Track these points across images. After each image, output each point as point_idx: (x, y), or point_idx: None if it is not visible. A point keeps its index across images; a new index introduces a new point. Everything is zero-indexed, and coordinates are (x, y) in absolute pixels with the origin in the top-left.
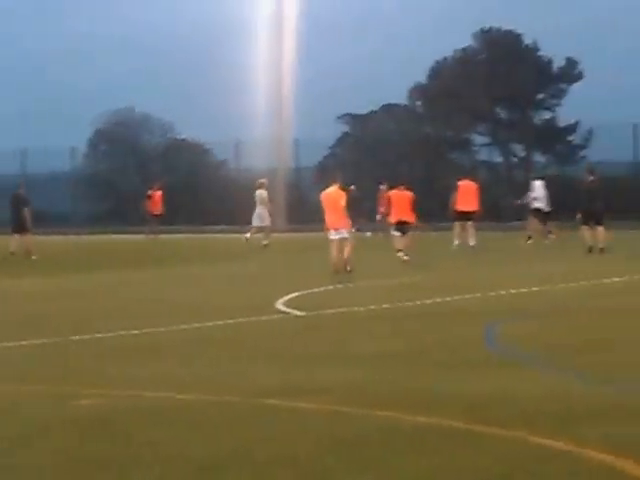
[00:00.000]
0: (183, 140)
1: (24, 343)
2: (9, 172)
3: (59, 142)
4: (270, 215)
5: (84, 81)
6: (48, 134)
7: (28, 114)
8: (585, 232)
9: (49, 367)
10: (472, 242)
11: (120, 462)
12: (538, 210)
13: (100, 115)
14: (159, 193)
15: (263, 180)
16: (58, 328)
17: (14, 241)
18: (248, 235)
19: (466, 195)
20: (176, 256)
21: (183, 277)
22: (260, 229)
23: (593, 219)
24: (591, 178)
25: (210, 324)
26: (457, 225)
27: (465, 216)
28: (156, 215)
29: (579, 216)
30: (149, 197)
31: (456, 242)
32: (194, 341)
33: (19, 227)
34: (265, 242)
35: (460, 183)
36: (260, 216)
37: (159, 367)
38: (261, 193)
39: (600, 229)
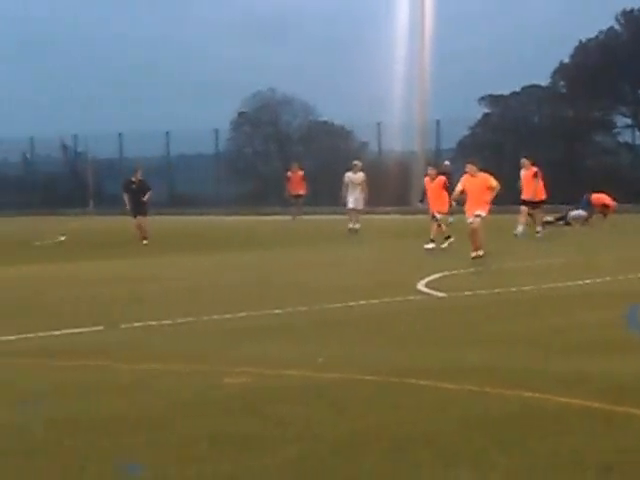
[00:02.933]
0: (324, 122)
1: (166, 322)
2: (155, 154)
3: (203, 125)
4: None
5: (229, 64)
6: (192, 116)
7: (173, 97)
8: None
9: (188, 346)
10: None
11: (262, 441)
12: None
13: (243, 98)
14: (299, 174)
15: (357, 162)
16: (193, 308)
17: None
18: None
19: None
20: (315, 237)
21: (322, 258)
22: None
23: None
24: None
25: (352, 304)
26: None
27: None
28: (297, 196)
29: None
30: (288, 179)
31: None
32: (333, 322)
33: (141, 210)
34: (356, 226)
35: None
36: (357, 200)
37: (298, 347)
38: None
39: None
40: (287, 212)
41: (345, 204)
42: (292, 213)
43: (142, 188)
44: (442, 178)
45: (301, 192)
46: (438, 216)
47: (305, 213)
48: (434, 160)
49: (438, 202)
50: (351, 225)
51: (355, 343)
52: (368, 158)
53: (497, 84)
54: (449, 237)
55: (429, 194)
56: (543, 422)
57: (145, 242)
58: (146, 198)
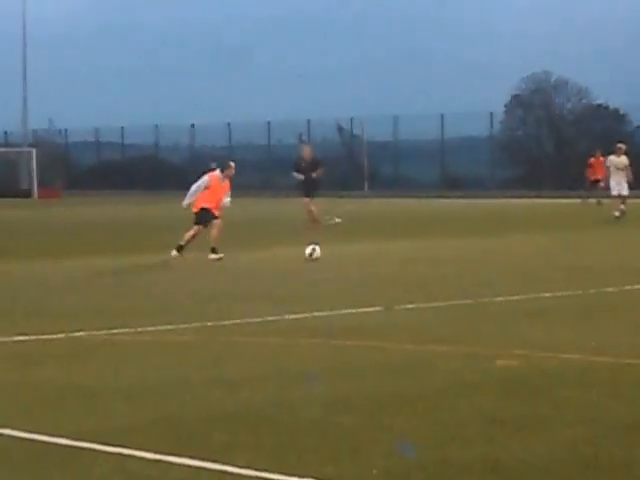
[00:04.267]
0: (599, 105)
1: (422, 306)
2: (429, 137)
3: (477, 107)
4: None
5: (503, 47)
6: (466, 99)
7: (447, 80)
8: None
9: (464, 329)
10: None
11: (538, 423)
12: None
13: (518, 81)
14: (601, 159)
15: (621, 145)
16: (467, 290)
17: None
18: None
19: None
20: (593, 220)
21: (599, 241)
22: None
23: None
24: None
25: (628, 287)
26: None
27: None
28: (596, 181)
29: None
30: (590, 164)
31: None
32: (606, 305)
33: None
34: (616, 214)
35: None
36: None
37: (572, 331)
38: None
39: None
40: (578, 195)
41: (609, 189)
42: (584, 197)
43: (313, 167)
44: None
45: (600, 177)
46: None
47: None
48: None
49: None
50: (616, 213)
51: (630, 328)
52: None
53: None
54: None
55: None
56: None
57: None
58: (315, 175)
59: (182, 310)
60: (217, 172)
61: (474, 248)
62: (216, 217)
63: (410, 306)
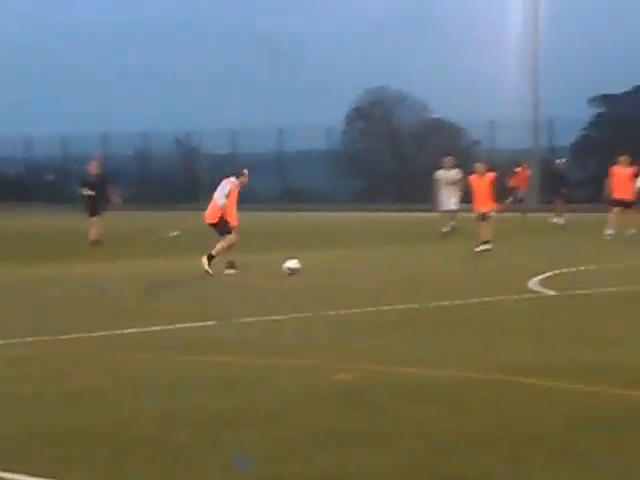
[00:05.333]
0: (437, 120)
1: (260, 319)
2: (268, 150)
3: (316, 121)
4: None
5: (342, 61)
6: (305, 113)
7: (285, 94)
8: None
9: (301, 342)
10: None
11: (374, 436)
12: None
13: (357, 95)
14: (525, 170)
15: (449, 158)
16: (307, 304)
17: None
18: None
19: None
20: (430, 234)
21: (431, 254)
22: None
23: None
24: None
25: (464, 302)
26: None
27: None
28: (513, 189)
29: None
30: (516, 173)
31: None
32: (446, 318)
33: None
34: (446, 229)
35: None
36: (451, 200)
37: (410, 344)
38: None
39: None
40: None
41: (439, 205)
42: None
43: (101, 182)
44: (491, 175)
45: (516, 186)
46: (492, 214)
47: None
48: (549, 158)
49: (486, 201)
50: (445, 229)
51: (468, 341)
52: (480, 156)
53: (609, 83)
54: (487, 242)
55: (476, 192)
56: None
57: (94, 244)
58: (109, 194)
59: (17, 324)
60: (233, 179)
61: (314, 261)
62: (230, 231)
63: (249, 319)
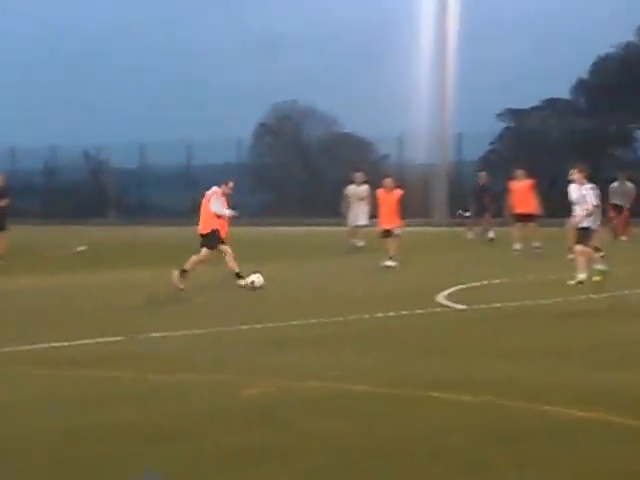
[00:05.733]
0: (346, 134)
1: (168, 334)
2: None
3: (225, 135)
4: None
5: (251, 75)
6: (214, 127)
7: (195, 108)
8: None
9: (209, 357)
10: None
11: (283, 451)
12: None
13: (266, 109)
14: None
15: (359, 173)
16: (213, 319)
17: None
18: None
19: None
20: (332, 248)
21: (341, 269)
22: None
23: None
24: None
25: (371, 316)
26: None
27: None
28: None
29: None
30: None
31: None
32: (354, 333)
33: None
34: (360, 244)
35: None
36: (359, 215)
37: (318, 359)
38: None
39: None
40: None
41: (349, 219)
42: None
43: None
44: (399, 191)
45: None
46: (397, 231)
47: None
48: (455, 172)
49: (392, 216)
50: (359, 243)
51: (375, 355)
52: (389, 170)
53: (517, 98)
54: (392, 258)
55: (382, 207)
56: (561, 436)
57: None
58: (2, 204)
59: None
60: (216, 188)
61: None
62: (224, 242)
63: (155, 335)
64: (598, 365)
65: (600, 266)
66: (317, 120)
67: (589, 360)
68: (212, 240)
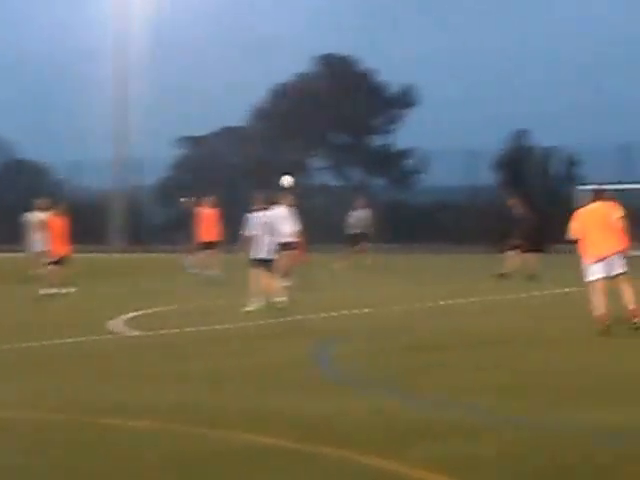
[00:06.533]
0: (20, 160)
1: None
2: None
3: None
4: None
5: None
6: None
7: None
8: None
9: None
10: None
11: None
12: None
13: None
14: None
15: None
16: None
17: None
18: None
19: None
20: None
21: (14, 295)
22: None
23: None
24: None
25: (37, 344)
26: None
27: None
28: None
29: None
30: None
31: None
32: (22, 360)
33: None
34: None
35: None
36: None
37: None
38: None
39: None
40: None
41: (30, 246)
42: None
43: None
44: (68, 217)
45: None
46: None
47: None
48: (132, 198)
49: (62, 242)
50: (40, 269)
51: (46, 382)
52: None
53: (202, 124)
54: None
55: (54, 233)
56: (231, 461)
57: None
58: None
59: None
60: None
61: None
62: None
63: None
64: (265, 389)
65: (279, 298)
66: None
67: (256, 384)
68: None
